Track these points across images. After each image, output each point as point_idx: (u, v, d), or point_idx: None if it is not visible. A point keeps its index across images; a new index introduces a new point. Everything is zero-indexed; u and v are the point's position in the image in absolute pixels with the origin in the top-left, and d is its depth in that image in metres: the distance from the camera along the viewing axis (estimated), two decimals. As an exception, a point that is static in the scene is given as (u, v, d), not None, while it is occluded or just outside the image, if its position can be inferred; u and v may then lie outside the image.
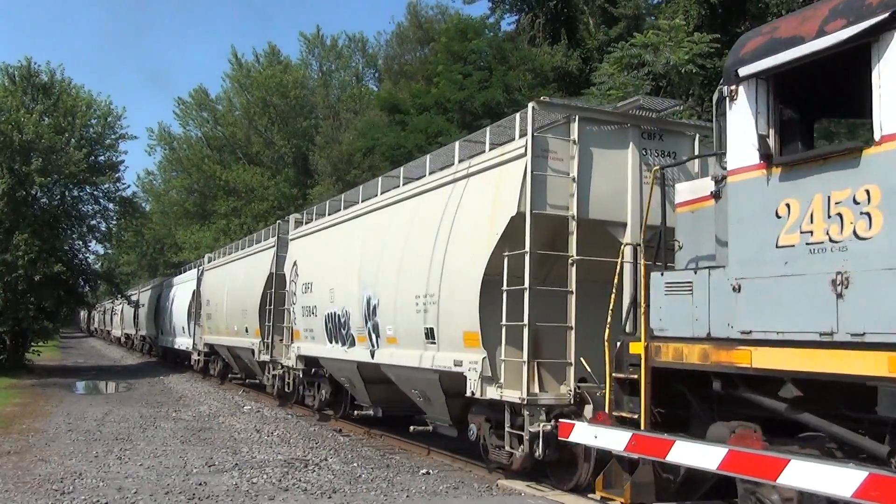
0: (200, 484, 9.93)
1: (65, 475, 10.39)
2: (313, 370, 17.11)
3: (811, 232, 6.11)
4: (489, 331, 9.93)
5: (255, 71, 51.48)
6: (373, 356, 13.25)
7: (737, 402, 7.15)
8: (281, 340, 19.37)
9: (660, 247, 8.18)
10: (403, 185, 13.43)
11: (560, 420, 9.10)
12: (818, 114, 7.94)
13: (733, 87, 6.93)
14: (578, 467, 9.37)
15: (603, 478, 8.61)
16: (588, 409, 9.29)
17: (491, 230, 9.99)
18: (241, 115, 51.88)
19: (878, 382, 5.54)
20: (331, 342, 15.24)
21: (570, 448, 9.19)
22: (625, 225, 9.74)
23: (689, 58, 22.49)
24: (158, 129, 59.06)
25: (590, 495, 9.10)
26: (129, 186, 35.96)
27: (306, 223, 18.29)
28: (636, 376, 7.95)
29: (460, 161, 11.58)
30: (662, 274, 7.83)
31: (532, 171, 9.49)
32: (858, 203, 5.79)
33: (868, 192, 5.73)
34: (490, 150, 10.81)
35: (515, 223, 9.60)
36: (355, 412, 15.26)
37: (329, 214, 16.71)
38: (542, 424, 9.29)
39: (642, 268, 8.40)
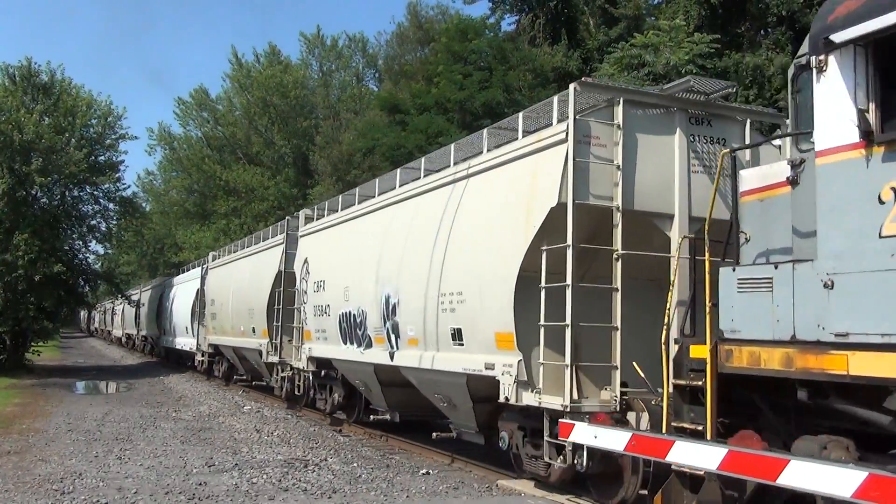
0: (200, 484, 9.84)
1: (65, 475, 10.29)
2: (324, 372, 16.30)
3: (923, 219, 5.27)
4: (524, 332, 9.14)
5: (256, 71, 50.78)
6: (392, 358, 12.39)
7: (820, 414, 6.32)
8: (290, 341, 18.56)
9: (729, 240, 7.23)
10: (425, 176, 12.54)
11: (560, 420, 8.74)
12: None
13: (821, 58, 6.07)
14: (625, 481, 8.50)
15: (662, 496, 7.59)
16: (633, 417, 8.50)
17: (527, 223, 9.16)
18: (242, 115, 51.39)
19: None
20: (345, 343, 14.40)
21: (616, 460, 8.36)
22: (671, 217, 8.91)
23: (690, 58, 22.45)
24: (158, 130, 58.71)
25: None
26: (129, 187, 35.85)
27: (318, 219, 17.39)
28: (699, 383, 7.09)
29: (489, 150, 10.74)
30: (734, 269, 6.91)
31: (574, 158, 8.63)
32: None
33: None
34: (523, 136, 9.91)
35: (555, 215, 8.76)
36: (371, 417, 14.28)
37: (342, 209, 15.83)
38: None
39: (707, 263, 7.46)
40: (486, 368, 9.76)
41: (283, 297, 18.89)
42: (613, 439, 7.81)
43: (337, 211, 16.14)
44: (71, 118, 29.49)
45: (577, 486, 9.34)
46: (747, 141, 9.22)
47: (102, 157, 31.19)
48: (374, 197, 14.35)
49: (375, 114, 35.59)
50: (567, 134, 8.77)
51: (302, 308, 16.94)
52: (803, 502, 6.40)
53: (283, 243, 19.41)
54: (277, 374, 19.60)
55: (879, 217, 5.59)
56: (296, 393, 18.41)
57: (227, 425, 15.93)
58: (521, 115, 10.18)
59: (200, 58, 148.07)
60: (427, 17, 39.87)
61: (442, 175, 11.87)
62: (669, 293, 7.96)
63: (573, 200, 8.63)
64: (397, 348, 12.30)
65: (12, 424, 15.37)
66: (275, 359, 19.44)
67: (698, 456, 6.76)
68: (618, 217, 8.76)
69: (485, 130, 11.12)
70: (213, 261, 28.75)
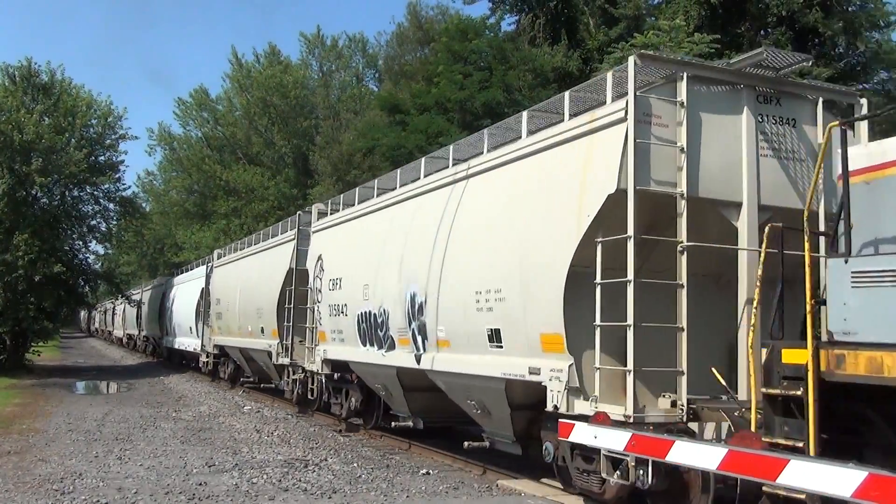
0: (200, 484, 9.74)
1: (65, 475, 10.20)
2: (339, 375, 15.28)
3: None
4: (575, 333, 8.26)
5: (256, 71, 50.24)
6: (418, 361, 11.42)
7: None
8: (301, 342, 17.62)
9: (838, 229, 6.23)
10: (453, 165, 11.54)
11: (560, 420, 8.46)
12: None
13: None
14: (692, 501, 7.51)
15: None
16: (699, 427, 7.65)
17: (579, 212, 8.24)
18: (242, 116, 51.01)
19: None
20: (364, 345, 13.42)
21: (682, 475, 7.40)
22: (739, 205, 8.03)
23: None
24: (158, 130, 58.33)
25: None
26: (129, 187, 35.83)
27: (332, 213, 16.28)
28: (797, 392, 6.08)
29: (530, 133, 9.69)
30: (847, 261, 5.92)
31: (635, 139, 7.72)
32: None
33: None
34: (570, 118, 8.96)
35: (613, 203, 7.85)
36: (392, 424, 13.29)
37: (359, 203, 14.77)
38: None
39: (807, 256, 6.44)
40: (531, 373, 8.85)
41: (295, 295, 17.93)
42: (614, 439, 7.56)
43: (353, 205, 15.08)
44: (71, 118, 29.44)
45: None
46: (820, 122, 8.30)
47: (102, 158, 31.07)
48: (394, 189, 13.33)
49: (375, 114, 35.44)
50: (626, 112, 7.83)
51: (316, 307, 15.97)
52: None
53: (293, 239, 18.45)
54: (288, 377, 18.57)
55: None
56: (309, 397, 17.37)
57: (227, 425, 15.80)
58: (566, 94, 9.20)
59: (200, 57, 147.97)
60: (427, 18, 39.71)
61: (474, 164, 10.87)
62: (757, 289, 6.97)
63: (634, 186, 7.69)
64: (424, 350, 11.33)
65: (12, 424, 15.22)
66: (286, 360, 18.42)
67: (698, 456, 6.63)
68: (682, 205, 7.86)
69: (524, 113, 10.06)
70: (218, 259, 27.75)
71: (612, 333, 7.89)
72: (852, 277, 5.85)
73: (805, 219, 6.64)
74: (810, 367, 5.99)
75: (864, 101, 8.82)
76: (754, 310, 6.92)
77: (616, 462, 7.72)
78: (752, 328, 6.78)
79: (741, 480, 6.70)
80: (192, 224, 50.90)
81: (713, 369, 7.77)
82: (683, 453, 6.84)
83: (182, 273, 36.08)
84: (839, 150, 6.23)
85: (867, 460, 5.86)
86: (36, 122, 27.72)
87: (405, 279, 11.86)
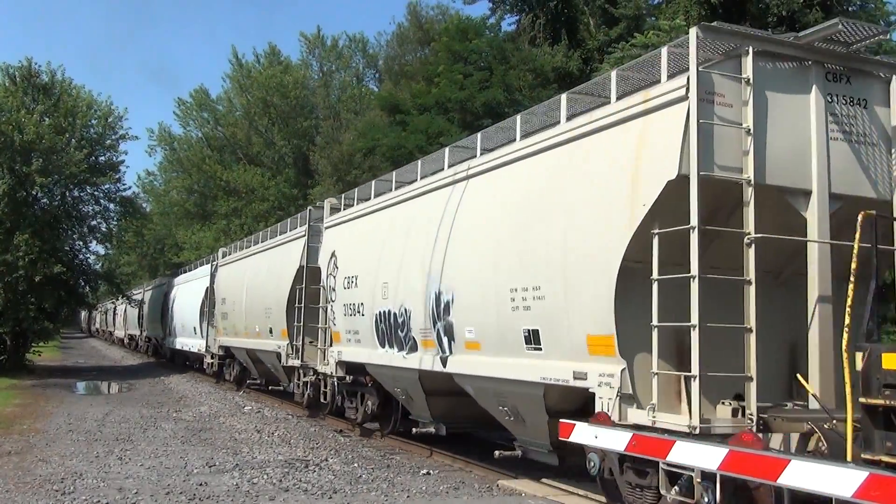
0: (201, 484, 9.70)
1: (65, 475, 10.17)
2: (353, 377, 14.57)
3: None
4: (627, 334, 7.52)
5: (256, 71, 50.02)
6: (444, 364, 10.64)
7: None
8: (311, 343, 16.83)
9: None
10: (482, 154, 10.73)
11: (560, 420, 8.27)
12: None
13: None
14: None
15: None
16: (766, 439, 6.79)
17: (632, 201, 7.47)
18: (242, 116, 50.94)
19: None
20: (382, 346, 12.65)
21: (751, 492, 6.57)
22: (808, 194, 7.24)
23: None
24: (159, 130, 58.20)
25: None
26: (129, 187, 35.77)
27: (346, 208, 15.46)
28: None
29: (570, 118, 8.89)
30: None
31: (698, 120, 6.94)
32: None
33: None
34: (617, 100, 8.19)
35: (672, 190, 7.06)
36: (413, 430, 12.57)
37: (375, 196, 13.97)
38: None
39: None
40: (576, 378, 8.09)
41: (306, 294, 17.00)
42: (614, 439, 7.39)
43: (369, 199, 14.23)
44: (71, 119, 29.23)
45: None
46: (894, 103, 7.50)
47: (103, 158, 30.89)
48: (415, 181, 12.50)
49: (376, 114, 35.39)
50: (688, 90, 7.05)
51: (329, 307, 15.09)
52: None
53: (304, 236, 17.57)
54: (299, 379, 17.68)
55: None
56: (322, 400, 16.41)
57: (227, 426, 15.70)
58: (613, 73, 8.42)
59: (200, 57, 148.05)
60: (427, 18, 39.73)
61: (507, 151, 9.95)
62: (851, 286, 6.03)
63: (698, 172, 6.92)
64: (451, 352, 10.54)
65: (13, 425, 15.13)
66: (296, 362, 17.48)
67: (699, 456, 6.49)
68: (749, 193, 7.06)
69: (562, 97, 9.15)
70: (223, 257, 26.90)
71: (664, 335, 7.22)
72: None
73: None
74: None
75: None
76: (848, 309, 6.00)
77: (674, 476, 6.92)
78: (845, 329, 5.95)
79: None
80: (192, 224, 50.80)
81: (798, 376, 7.02)
82: (684, 453, 6.66)
83: (185, 272, 35.34)
84: None
85: None
86: (36, 123, 27.58)
87: (430, 276, 11.00)
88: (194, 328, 29.49)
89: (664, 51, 7.68)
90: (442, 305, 10.64)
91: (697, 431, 6.76)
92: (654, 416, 7.23)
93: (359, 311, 13.53)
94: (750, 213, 7.05)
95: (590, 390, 7.91)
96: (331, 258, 15.16)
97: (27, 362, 30.52)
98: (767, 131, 7.21)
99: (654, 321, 7.17)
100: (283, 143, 47.84)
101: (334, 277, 14.79)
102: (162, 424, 15.65)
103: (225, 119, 52.45)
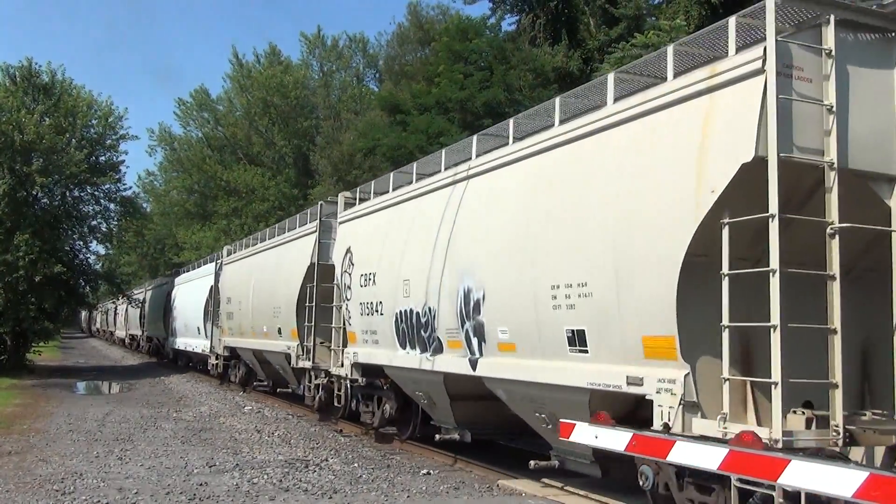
0: (201, 484, 9.70)
1: (65, 475, 10.16)
2: (368, 380, 13.92)
3: None
4: (690, 335, 6.91)
5: (256, 71, 50.20)
6: (474, 367, 9.94)
7: None
8: (323, 343, 16.21)
9: None
10: (515, 142, 9.82)
11: (561, 420, 8.20)
12: None
13: None
14: None
15: None
16: (852, 452, 6.37)
17: (698, 187, 6.76)
18: (242, 116, 51.14)
19: None
20: (403, 347, 11.94)
21: None
22: (892, 180, 6.64)
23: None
24: (159, 130, 58.48)
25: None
26: (129, 188, 35.82)
27: (361, 202, 14.64)
28: None
29: (618, 99, 8.15)
30: None
31: (777, 95, 6.25)
32: None
33: None
34: (674, 78, 7.45)
35: (746, 174, 6.39)
36: (436, 436, 11.83)
37: (394, 189, 13.20)
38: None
39: None
40: (630, 384, 7.45)
41: (317, 293, 16.26)
42: (615, 439, 7.39)
43: (387, 191, 13.44)
44: (71, 119, 29.21)
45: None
46: None
47: (103, 158, 30.92)
48: (440, 172, 11.70)
49: (376, 114, 35.45)
50: (765, 62, 6.35)
51: (344, 305, 14.40)
52: None
53: (315, 232, 16.80)
54: (310, 382, 16.96)
55: None
56: (336, 404, 15.58)
57: (227, 426, 15.72)
58: (669, 48, 7.64)
59: (199, 57, 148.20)
60: (427, 18, 39.76)
61: (544, 137, 9.14)
62: None
63: (777, 154, 6.24)
64: (481, 354, 9.86)
65: (13, 425, 15.14)
66: (307, 364, 16.76)
67: (699, 456, 6.46)
68: (832, 177, 6.43)
69: (609, 77, 8.39)
70: (228, 255, 26.05)
71: (757, 336, 6.59)
72: None
73: None
74: None
75: None
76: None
77: (745, 494, 6.31)
78: None
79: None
80: (192, 224, 50.93)
81: None
82: (685, 453, 6.61)
83: (187, 271, 34.78)
84: None
85: None
86: (36, 123, 27.60)
87: (458, 273, 10.29)
88: (198, 328, 28.87)
89: (732, 20, 6.95)
90: (472, 304, 9.94)
91: (780, 445, 6.11)
92: (725, 427, 6.52)
93: (377, 310, 12.86)
94: (833, 201, 6.43)
95: (646, 397, 7.27)
96: (345, 254, 14.55)
97: (27, 362, 30.63)
98: (849, 110, 6.58)
99: (725, 321, 6.53)
100: (284, 143, 47.95)
101: (350, 274, 14.15)
102: (162, 424, 15.66)
103: (225, 119, 52.57)
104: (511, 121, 10.26)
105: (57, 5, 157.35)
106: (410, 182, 12.74)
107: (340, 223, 15.29)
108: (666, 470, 7.13)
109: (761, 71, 6.40)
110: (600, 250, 7.83)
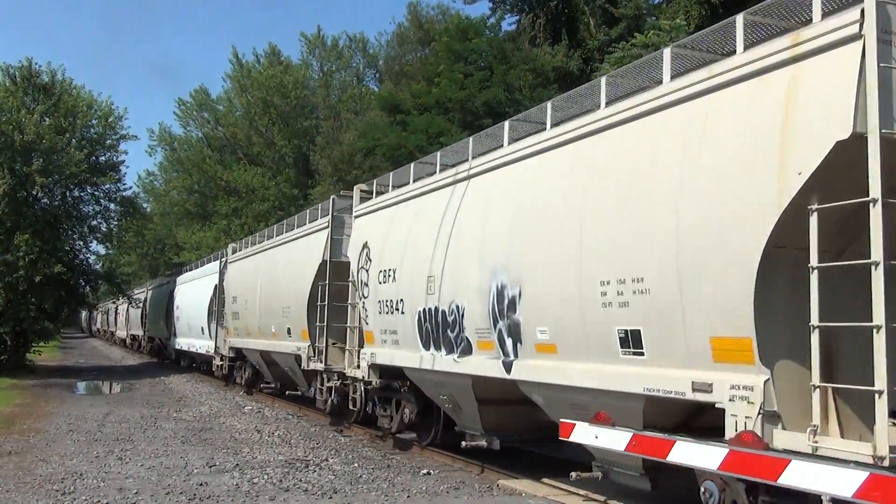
0: (201, 484, 9.70)
1: (66, 475, 10.16)
2: (385, 383, 13.28)
3: None
4: (769, 336, 6.21)
5: (256, 71, 50.23)
6: (508, 370, 9.20)
7: None
8: (335, 344, 15.56)
9: None
10: (554, 126, 9.04)
11: (561, 420, 8.17)
12: None
13: None
14: None
15: None
16: None
17: (782, 169, 6.01)
18: (242, 116, 51.17)
19: None
20: (427, 348, 11.18)
21: None
22: None
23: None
24: (159, 130, 58.57)
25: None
26: (129, 187, 35.83)
27: (378, 194, 13.92)
28: None
29: (675, 76, 7.39)
30: None
31: (878, 63, 5.53)
32: None
33: None
34: (744, 50, 6.71)
35: (839, 154, 5.66)
36: (462, 443, 10.96)
37: (415, 181, 12.47)
38: None
39: None
40: (696, 390, 6.71)
41: (329, 291, 15.45)
42: (615, 439, 7.40)
43: (408, 183, 12.71)
44: (71, 119, 29.15)
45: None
46: None
47: (103, 158, 30.92)
48: (466, 161, 10.98)
49: (376, 114, 35.49)
50: (862, 25, 5.64)
51: (360, 304, 13.66)
52: None
53: (327, 227, 15.97)
54: (322, 385, 16.15)
55: None
56: (350, 407, 14.91)
57: (227, 426, 15.73)
58: (739, 17, 6.85)
59: (199, 56, 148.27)
60: (427, 18, 39.81)
61: (591, 119, 8.38)
62: None
63: (880, 129, 5.49)
64: (517, 356, 9.13)
65: (13, 425, 15.17)
66: (318, 365, 15.96)
67: (699, 456, 6.49)
68: None
69: (665, 52, 7.65)
70: (233, 253, 25.16)
71: (851, 338, 5.94)
72: None
73: None
74: None
75: None
76: None
77: None
78: None
79: None
80: (192, 224, 50.98)
81: None
82: (685, 453, 6.62)
83: (188, 271, 34.20)
84: None
85: None
86: (36, 123, 27.63)
87: (489, 268, 9.55)
88: (202, 328, 28.17)
89: None
90: (506, 301, 9.20)
91: (886, 463, 5.38)
92: (815, 441, 5.82)
93: (397, 309, 12.09)
94: None
95: (716, 405, 6.54)
96: (362, 250, 13.77)
97: (27, 362, 30.71)
98: None
99: (815, 320, 5.81)
100: (284, 143, 47.99)
101: (367, 271, 13.39)
102: (162, 424, 15.67)
103: (225, 119, 52.61)
104: (549, 104, 9.39)
105: (57, 5, 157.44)
106: (434, 173, 12.03)
107: (356, 217, 14.59)
108: (735, 489, 6.45)
109: (858, 36, 5.70)
110: (660, 241, 7.07)
